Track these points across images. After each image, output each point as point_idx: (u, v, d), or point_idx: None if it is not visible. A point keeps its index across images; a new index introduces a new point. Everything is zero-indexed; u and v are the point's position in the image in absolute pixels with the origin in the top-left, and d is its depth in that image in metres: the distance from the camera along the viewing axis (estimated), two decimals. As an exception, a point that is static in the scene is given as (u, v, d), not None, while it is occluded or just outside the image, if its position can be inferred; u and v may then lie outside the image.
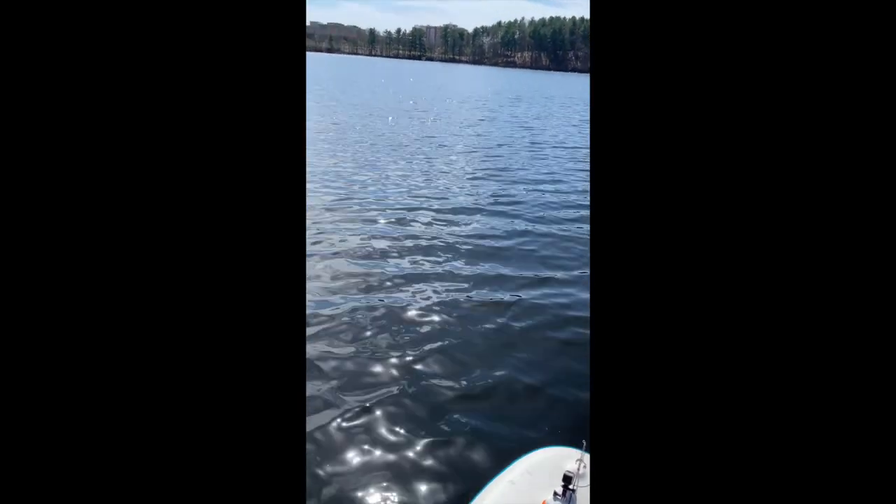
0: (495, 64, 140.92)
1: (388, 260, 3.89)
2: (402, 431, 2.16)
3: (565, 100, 24.26)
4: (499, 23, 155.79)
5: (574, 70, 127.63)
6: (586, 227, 4.97)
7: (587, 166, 8.02)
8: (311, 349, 2.66)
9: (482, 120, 13.51)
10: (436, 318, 3.08)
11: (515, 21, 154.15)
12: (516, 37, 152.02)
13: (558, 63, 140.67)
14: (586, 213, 5.44)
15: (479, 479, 1.66)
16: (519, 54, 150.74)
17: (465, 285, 3.56)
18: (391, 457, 2.00)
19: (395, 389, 2.43)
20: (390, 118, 12.26)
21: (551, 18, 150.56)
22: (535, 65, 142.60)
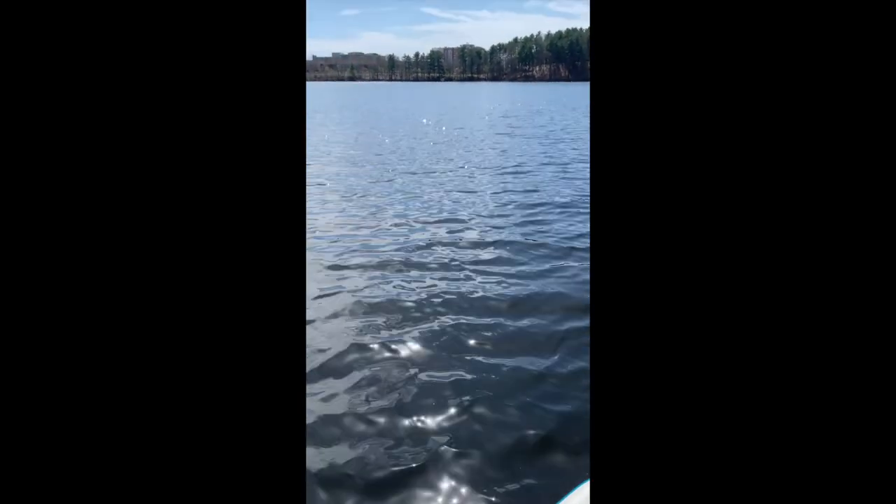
0: (514, 79, 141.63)
1: (395, 314, 3.29)
2: (451, 474, 2.01)
3: (587, 110, 23.54)
4: (515, 39, 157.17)
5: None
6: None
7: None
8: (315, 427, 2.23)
9: (501, 133, 12.99)
10: (464, 384, 2.45)
11: (532, 36, 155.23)
12: (533, 51, 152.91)
13: (577, 74, 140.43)
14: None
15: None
16: (537, 68, 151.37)
17: (490, 345, 2.92)
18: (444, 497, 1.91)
19: (433, 438, 2.19)
20: (399, 138, 11.89)
21: (567, 31, 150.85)
22: (553, 77, 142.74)
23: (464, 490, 1.95)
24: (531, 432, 2.19)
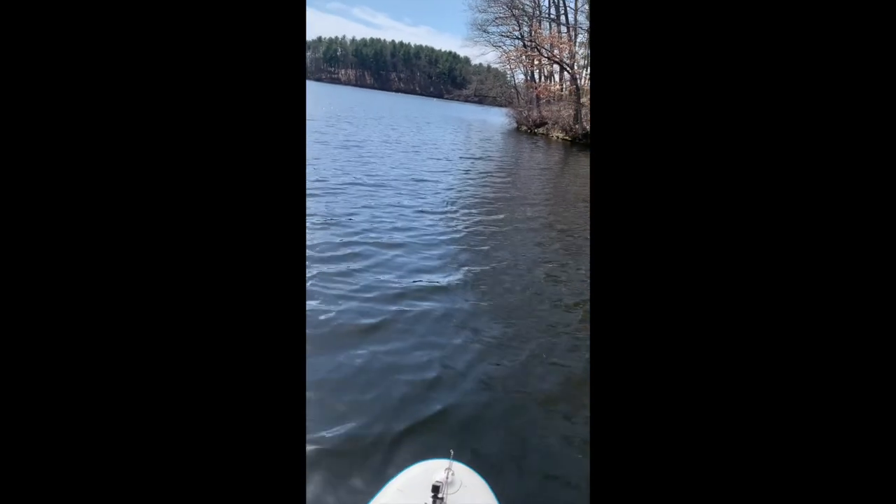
0: (319, 79, 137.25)
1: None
2: None
3: (392, 121, 23.55)
4: (319, 38, 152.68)
5: (399, 90, 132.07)
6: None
7: (441, 210, 6.81)
8: None
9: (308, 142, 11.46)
10: None
11: (336, 38, 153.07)
12: (339, 54, 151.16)
13: (382, 83, 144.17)
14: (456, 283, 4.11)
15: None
16: (343, 71, 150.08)
17: None
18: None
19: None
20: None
21: (371, 39, 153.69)
22: (359, 82, 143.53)
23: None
24: None
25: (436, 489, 1.39)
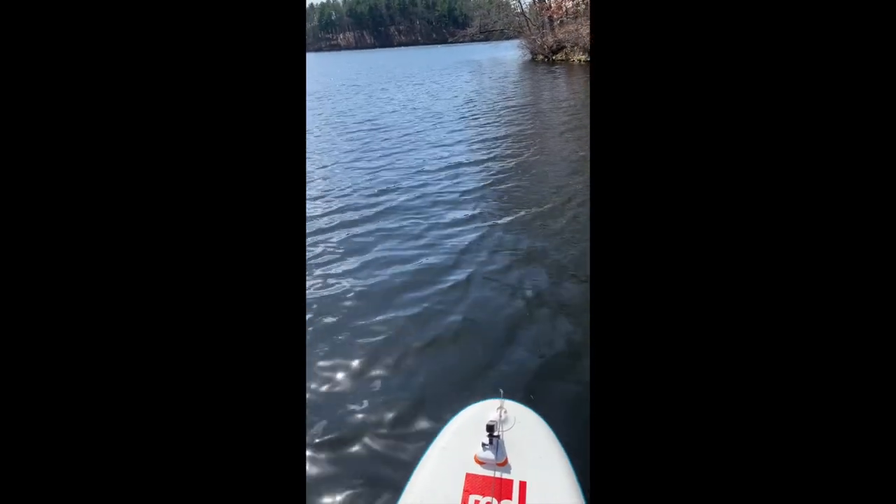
0: (318, 49, 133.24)
1: None
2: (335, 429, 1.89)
3: (402, 78, 21.59)
4: (311, 5, 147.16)
5: (401, 44, 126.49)
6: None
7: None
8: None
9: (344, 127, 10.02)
10: None
11: (329, 2, 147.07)
12: (334, 18, 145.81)
13: (383, 40, 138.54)
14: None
15: (415, 454, 1.56)
16: (341, 36, 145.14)
17: None
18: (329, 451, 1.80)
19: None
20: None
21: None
22: (359, 44, 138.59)
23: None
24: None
25: (490, 428, 1.38)
